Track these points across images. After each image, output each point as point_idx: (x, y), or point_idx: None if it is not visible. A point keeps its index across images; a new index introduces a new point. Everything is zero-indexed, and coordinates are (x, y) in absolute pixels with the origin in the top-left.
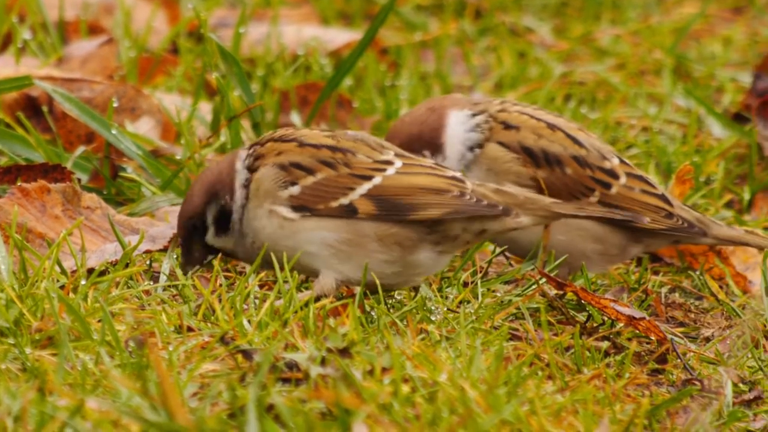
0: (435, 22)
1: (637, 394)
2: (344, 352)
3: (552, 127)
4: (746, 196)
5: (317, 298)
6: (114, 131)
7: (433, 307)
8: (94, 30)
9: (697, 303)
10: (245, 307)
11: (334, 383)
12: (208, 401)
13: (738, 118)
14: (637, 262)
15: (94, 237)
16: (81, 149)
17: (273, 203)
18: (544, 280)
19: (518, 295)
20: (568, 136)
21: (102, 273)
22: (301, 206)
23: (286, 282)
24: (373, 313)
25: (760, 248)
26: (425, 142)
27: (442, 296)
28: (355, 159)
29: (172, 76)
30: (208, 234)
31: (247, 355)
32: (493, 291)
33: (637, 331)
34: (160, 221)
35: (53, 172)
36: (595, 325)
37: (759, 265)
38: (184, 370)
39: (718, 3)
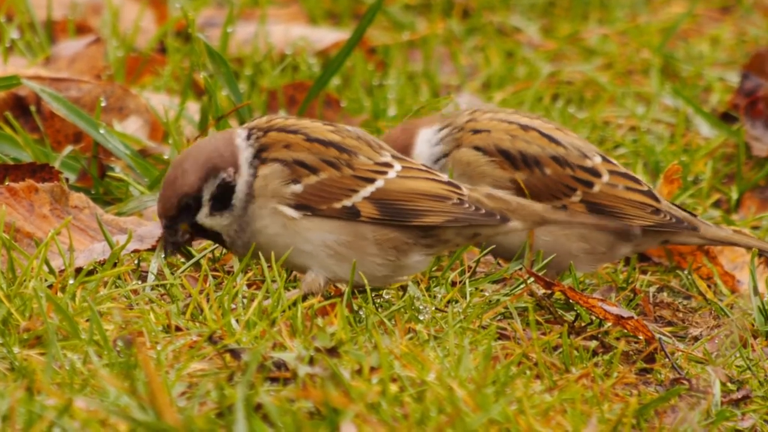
0: (423, 21)
1: (625, 393)
2: (332, 351)
3: (525, 128)
4: (734, 195)
5: (305, 297)
6: (102, 131)
7: (421, 307)
8: (81, 30)
9: (685, 302)
10: (233, 306)
11: (322, 382)
12: (197, 400)
13: (726, 118)
14: (625, 261)
15: (82, 236)
16: (69, 149)
17: (278, 202)
18: (532, 279)
19: (506, 295)
20: (544, 135)
21: (90, 272)
22: (303, 205)
23: (274, 281)
24: (361, 313)
25: (749, 248)
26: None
27: (430, 295)
28: (358, 160)
29: (160, 76)
30: (201, 212)
31: (235, 354)
32: (482, 290)
33: (626, 331)
34: (148, 221)
35: (41, 171)
36: (583, 324)
37: (747, 265)
38: (173, 369)
39: (705, 2)
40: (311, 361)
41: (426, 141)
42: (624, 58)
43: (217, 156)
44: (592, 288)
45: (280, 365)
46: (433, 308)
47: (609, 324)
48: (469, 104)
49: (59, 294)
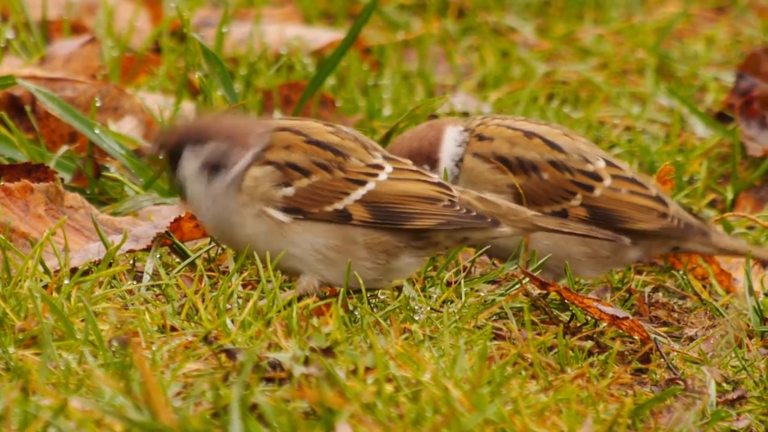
0: (418, 21)
1: (620, 393)
2: (328, 351)
3: (529, 134)
4: (729, 195)
5: (300, 298)
6: (97, 131)
7: (416, 307)
8: (76, 29)
9: (680, 302)
10: (228, 306)
11: (317, 383)
12: (192, 401)
13: (721, 118)
14: None
15: (78, 236)
16: (64, 149)
17: (266, 205)
18: (527, 279)
19: (501, 295)
20: (547, 142)
21: (85, 272)
22: (294, 208)
23: (269, 282)
24: (356, 313)
25: (766, 263)
26: (425, 156)
27: (425, 296)
28: (349, 162)
29: (155, 76)
30: (194, 162)
31: (230, 354)
32: (477, 290)
33: (621, 331)
34: (144, 220)
35: (36, 171)
36: (578, 324)
37: (742, 265)
38: (168, 369)
39: (700, 2)
40: (306, 362)
41: (452, 139)
42: (619, 58)
43: (242, 131)
44: (587, 288)
45: (276, 365)
46: (429, 308)
47: (604, 324)
48: (464, 104)
49: (54, 294)
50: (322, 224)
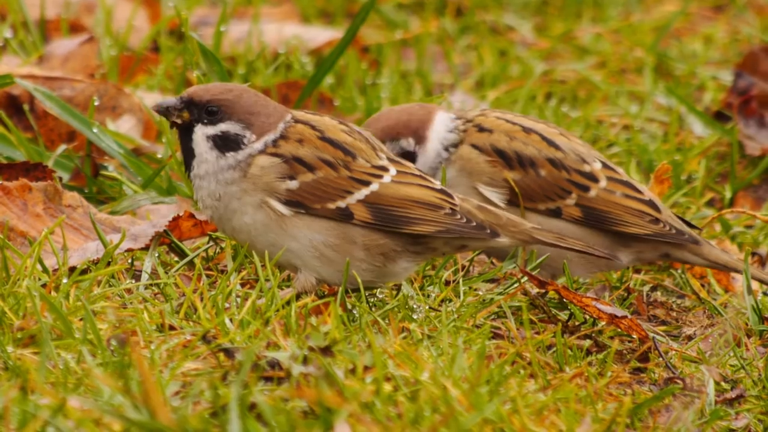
0: (416, 20)
1: (619, 392)
2: (326, 350)
3: (527, 130)
4: (727, 194)
5: (298, 296)
6: (95, 130)
7: (415, 306)
8: (75, 28)
9: (678, 301)
10: (227, 305)
11: (316, 382)
12: (190, 400)
13: (719, 117)
14: None
15: (76, 235)
16: (62, 148)
17: (269, 196)
18: (525, 278)
19: (500, 294)
20: (545, 139)
21: (84, 271)
22: (296, 202)
23: (267, 280)
24: (354, 312)
25: (760, 281)
26: (411, 130)
27: (424, 295)
28: (356, 162)
29: (153, 75)
30: (207, 128)
31: (229, 353)
32: (475, 289)
33: (619, 330)
34: (142, 219)
35: (35, 170)
36: (576, 323)
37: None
38: (166, 368)
39: (699, 1)
40: (305, 361)
41: (443, 123)
42: (617, 57)
43: (264, 117)
44: (585, 287)
45: (274, 364)
46: (427, 307)
47: (603, 323)
48: (462, 103)
49: (53, 293)
50: (322, 221)
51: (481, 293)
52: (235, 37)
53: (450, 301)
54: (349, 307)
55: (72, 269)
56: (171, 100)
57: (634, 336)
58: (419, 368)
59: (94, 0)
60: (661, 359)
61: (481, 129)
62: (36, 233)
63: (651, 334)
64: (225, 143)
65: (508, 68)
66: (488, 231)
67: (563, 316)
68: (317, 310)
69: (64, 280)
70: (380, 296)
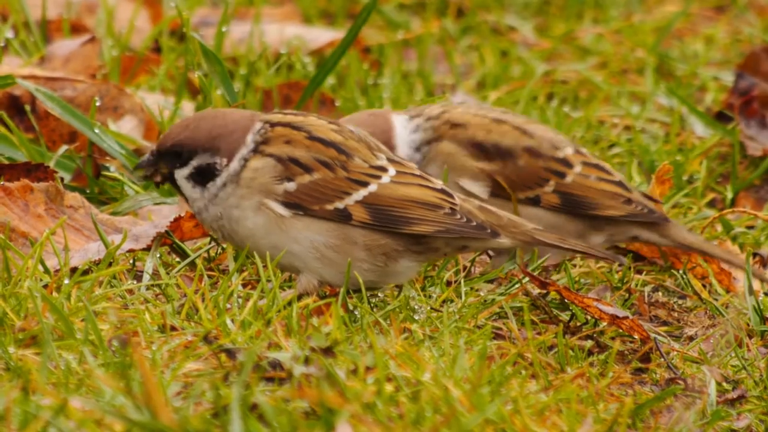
0: (417, 20)
1: (620, 393)
2: (328, 351)
3: (498, 121)
4: (729, 195)
5: (300, 297)
6: (97, 130)
7: (416, 306)
8: (76, 29)
9: (680, 302)
10: (228, 306)
11: (317, 382)
12: (192, 400)
13: (720, 117)
14: None
15: (77, 236)
16: (64, 148)
17: (266, 197)
18: (527, 279)
19: (501, 294)
20: (516, 128)
21: (85, 272)
22: (294, 204)
23: (269, 281)
24: (356, 312)
25: (721, 260)
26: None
27: (425, 295)
28: (353, 162)
29: (155, 75)
30: (182, 170)
31: (230, 354)
32: (477, 290)
33: (621, 330)
34: (143, 220)
35: (36, 171)
36: (578, 324)
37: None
38: (168, 369)
39: (700, 2)
40: (307, 361)
41: (402, 127)
42: (619, 58)
43: (226, 136)
44: (587, 288)
45: (276, 365)
46: (429, 308)
47: (604, 324)
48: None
49: (54, 294)
50: (322, 222)
51: (482, 294)
52: (237, 37)
53: (451, 301)
54: (351, 307)
55: (73, 270)
56: (144, 159)
57: (636, 336)
58: (421, 369)
59: (95, 0)
60: (662, 360)
61: (454, 125)
62: (37, 234)
63: (652, 335)
64: (202, 177)
65: (509, 69)
66: (489, 231)
67: (565, 316)
68: (319, 310)
69: (66, 281)
70: (381, 297)
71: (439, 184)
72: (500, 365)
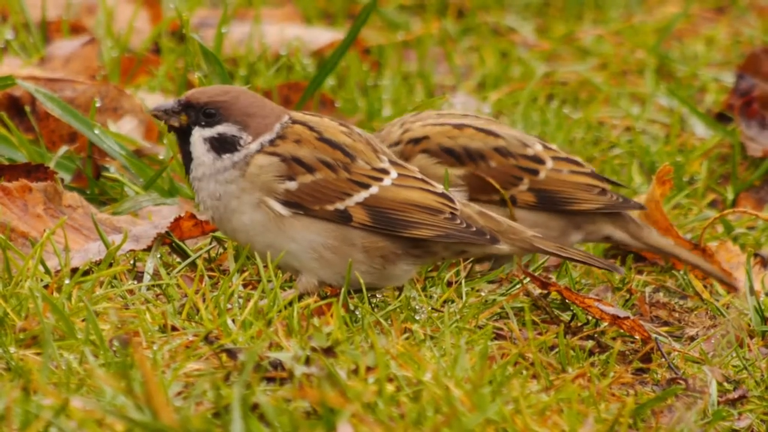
0: (417, 21)
1: (621, 393)
2: (329, 351)
3: (459, 126)
4: (729, 195)
5: (300, 297)
6: (97, 131)
7: (417, 307)
8: (76, 30)
9: (681, 302)
10: (229, 306)
11: (318, 382)
12: (193, 400)
13: (721, 118)
14: (622, 261)
15: (77, 236)
16: (64, 149)
17: (267, 195)
18: (528, 279)
19: (502, 295)
20: (480, 130)
21: (86, 272)
22: (295, 203)
23: (270, 281)
24: (357, 313)
25: (691, 265)
26: None
27: (426, 295)
28: (356, 164)
29: (155, 76)
30: (204, 131)
31: (231, 354)
32: (478, 290)
33: (622, 331)
34: (143, 220)
35: (36, 171)
36: (579, 324)
37: (743, 265)
38: (169, 369)
39: (700, 3)
40: (308, 361)
41: None
42: (619, 59)
43: (260, 118)
44: (588, 288)
45: (277, 365)
46: (430, 308)
47: (605, 324)
48: (464, 105)
49: (55, 294)
50: (321, 222)
51: (483, 294)
52: (237, 38)
53: (452, 302)
54: (352, 308)
55: (74, 270)
56: (169, 103)
57: (637, 337)
58: (422, 369)
59: (95, 1)
60: (663, 360)
61: (416, 141)
62: (37, 234)
63: (653, 335)
64: (222, 145)
65: (509, 70)
66: (488, 237)
67: (566, 316)
68: (319, 310)
69: (67, 281)
70: (382, 297)
71: (440, 188)
72: (501, 365)
